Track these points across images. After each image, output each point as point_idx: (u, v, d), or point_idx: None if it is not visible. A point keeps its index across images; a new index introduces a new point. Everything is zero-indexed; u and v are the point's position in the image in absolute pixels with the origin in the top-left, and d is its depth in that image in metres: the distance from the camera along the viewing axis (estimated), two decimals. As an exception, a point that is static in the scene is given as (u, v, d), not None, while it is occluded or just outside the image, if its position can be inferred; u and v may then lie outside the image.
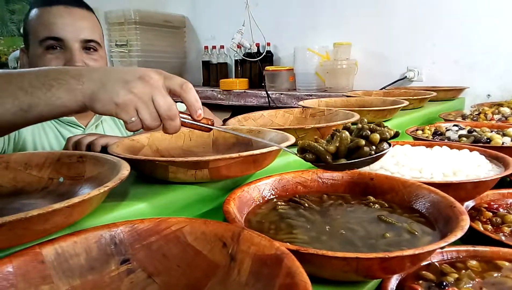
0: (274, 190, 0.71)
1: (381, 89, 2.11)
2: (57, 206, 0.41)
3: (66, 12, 1.04)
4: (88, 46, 1.06)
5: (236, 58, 2.75)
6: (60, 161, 0.64)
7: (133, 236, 0.50)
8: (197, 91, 0.59)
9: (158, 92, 0.55)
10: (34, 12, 1.05)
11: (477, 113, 1.43)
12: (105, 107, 0.54)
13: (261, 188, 0.70)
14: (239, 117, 1.15)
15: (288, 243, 0.47)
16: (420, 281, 0.53)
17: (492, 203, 0.81)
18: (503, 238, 0.66)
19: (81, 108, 0.56)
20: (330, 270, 0.47)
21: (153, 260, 0.49)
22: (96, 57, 1.08)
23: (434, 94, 1.61)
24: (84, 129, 1.15)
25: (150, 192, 0.59)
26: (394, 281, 0.53)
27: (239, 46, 2.60)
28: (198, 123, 0.60)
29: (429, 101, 1.60)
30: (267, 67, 2.49)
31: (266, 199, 0.69)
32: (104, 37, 2.61)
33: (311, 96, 2.18)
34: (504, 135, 1.05)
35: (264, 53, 2.63)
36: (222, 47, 2.86)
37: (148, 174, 0.64)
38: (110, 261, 0.47)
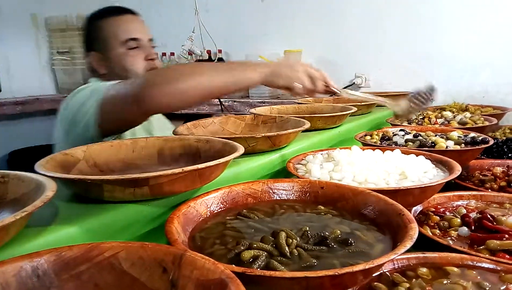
0: (223, 204, 0.68)
1: (331, 95, 2.14)
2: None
3: (135, 19, 1.31)
4: (152, 44, 1.32)
5: (187, 65, 2.70)
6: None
7: (59, 266, 0.44)
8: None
9: (310, 67, 0.96)
10: (108, 20, 1.26)
11: (421, 117, 1.48)
12: (283, 81, 0.93)
13: (209, 202, 0.66)
14: (189, 124, 1.10)
15: (233, 265, 0.44)
16: (372, 294, 0.52)
17: (439, 206, 0.82)
18: (450, 242, 0.67)
19: (263, 81, 0.92)
20: (279, 290, 0.44)
21: (83, 292, 0.43)
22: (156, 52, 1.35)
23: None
24: None
25: (83, 214, 0.53)
26: (346, 295, 0.51)
27: (190, 53, 2.55)
28: (333, 89, 1.00)
29: (376, 106, 1.64)
30: (219, 74, 2.45)
31: (214, 213, 0.65)
32: (45, 44, 2.49)
33: (264, 103, 2.17)
34: (447, 138, 1.09)
35: (216, 60, 2.59)
36: (172, 54, 2.78)
37: (81, 194, 0.58)
38: (31, 297, 0.41)
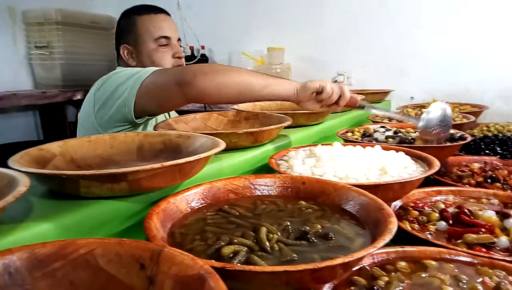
0: (204, 200, 0.67)
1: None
2: None
3: (168, 19, 1.39)
4: (180, 44, 1.41)
5: (169, 62, 2.66)
6: None
7: (32, 263, 0.42)
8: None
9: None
10: (143, 17, 1.34)
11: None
12: (315, 84, 1.00)
13: (190, 198, 0.65)
14: (170, 120, 1.09)
15: (213, 261, 0.43)
16: (352, 287, 0.52)
17: (418, 201, 0.83)
18: (429, 236, 0.68)
19: (292, 95, 1.01)
20: (260, 285, 0.44)
21: (58, 289, 0.42)
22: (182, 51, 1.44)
23: (363, 97, 1.66)
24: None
25: (58, 210, 0.52)
26: (326, 289, 0.51)
27: (172, 49, 2.52)
28: (360, 103, 1.09)
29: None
30: (202, 71, 2.43)
31: (195, 209, 0.64)
32: (22, 38, 2.43)
33: (247, 100, 2.16)
34: (426, 135, 1.10)
35: (199, 57, 2.57)
36: (154, 49, 2.75)
37: (57, 190, 0.57)
38: (2, 295, 0.40)
